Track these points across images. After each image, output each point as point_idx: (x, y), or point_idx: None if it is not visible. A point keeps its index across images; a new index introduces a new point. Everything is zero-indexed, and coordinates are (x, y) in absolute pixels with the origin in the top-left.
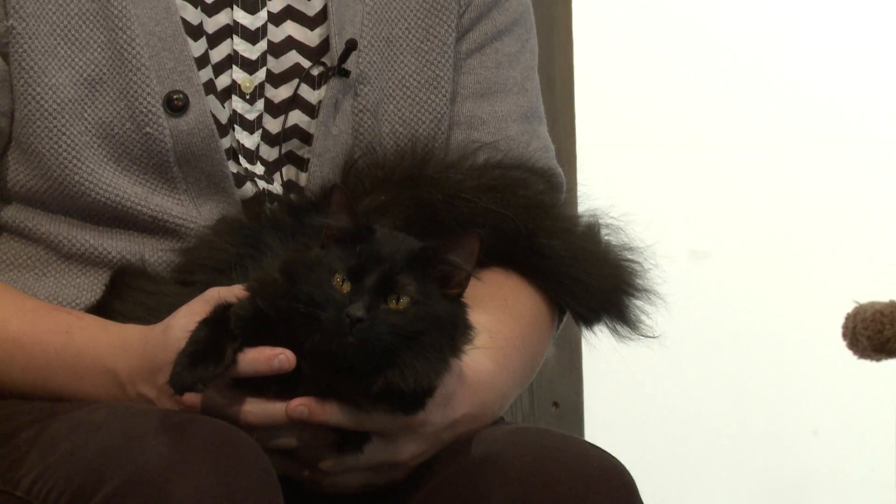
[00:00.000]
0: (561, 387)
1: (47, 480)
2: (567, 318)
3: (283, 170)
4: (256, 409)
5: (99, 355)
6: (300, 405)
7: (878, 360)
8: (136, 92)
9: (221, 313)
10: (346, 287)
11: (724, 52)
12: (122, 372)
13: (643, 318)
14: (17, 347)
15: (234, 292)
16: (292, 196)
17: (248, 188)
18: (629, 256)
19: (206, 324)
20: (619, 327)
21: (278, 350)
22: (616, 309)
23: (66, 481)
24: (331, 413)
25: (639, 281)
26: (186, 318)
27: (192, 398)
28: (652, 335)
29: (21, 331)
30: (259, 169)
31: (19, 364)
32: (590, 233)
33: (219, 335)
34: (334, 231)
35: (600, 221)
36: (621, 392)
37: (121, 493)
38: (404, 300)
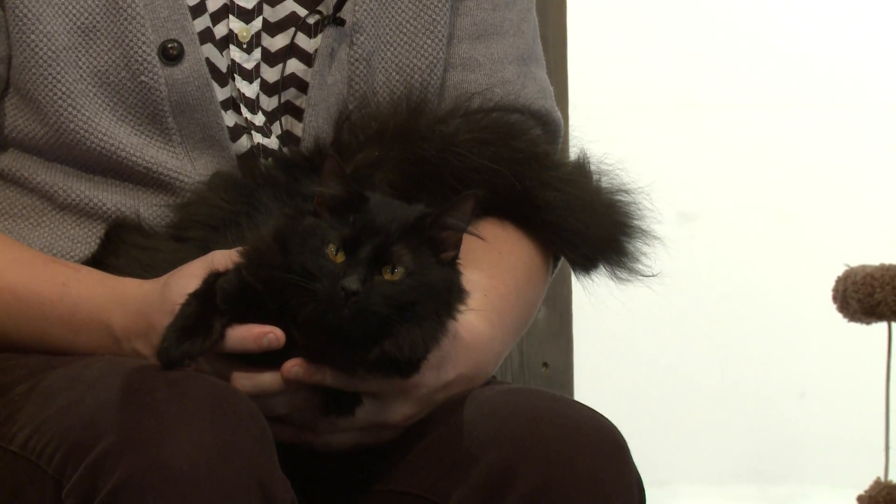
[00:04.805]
0: (551, 347)
1: (42, 435)
2: (557, 275)
3: (282, 119)
4: (247, 381)
5: (95, 308)
6: (295, 366)
7: (869, 323)
8: (130, 40)
9: (211, 284)
10: (340, 258)
11: (716, 14)
12: (118, 326)
13: (640, 258)
14: (13, 298)
15: (232, 257)
16: (286, 150)
17: (244, 142)
18: (623, 198)
19: (195, 297)
20: (616, 271)
21: (267, 328)
22: (613, 254)
23: (61, 437)
24: (325, 373)
25: (634, 222)
26: (186, 280)
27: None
28: (651, 274)
29: (17, 281)
30: (259, 119)
31: (15, 315)
32: (581, 176)
33: (207, 309)
34: (327, 199)
35: (591, 165)
36: (610, 353)
37: (117, 449)
38: (399, 271)
